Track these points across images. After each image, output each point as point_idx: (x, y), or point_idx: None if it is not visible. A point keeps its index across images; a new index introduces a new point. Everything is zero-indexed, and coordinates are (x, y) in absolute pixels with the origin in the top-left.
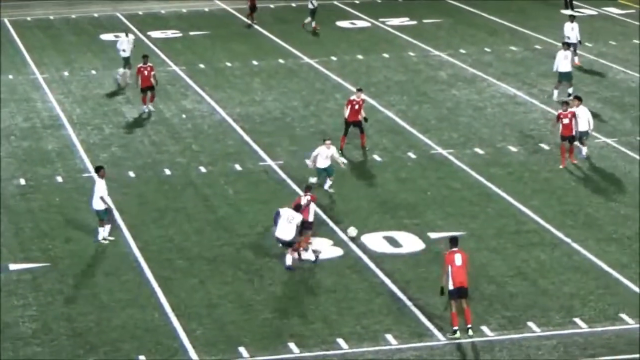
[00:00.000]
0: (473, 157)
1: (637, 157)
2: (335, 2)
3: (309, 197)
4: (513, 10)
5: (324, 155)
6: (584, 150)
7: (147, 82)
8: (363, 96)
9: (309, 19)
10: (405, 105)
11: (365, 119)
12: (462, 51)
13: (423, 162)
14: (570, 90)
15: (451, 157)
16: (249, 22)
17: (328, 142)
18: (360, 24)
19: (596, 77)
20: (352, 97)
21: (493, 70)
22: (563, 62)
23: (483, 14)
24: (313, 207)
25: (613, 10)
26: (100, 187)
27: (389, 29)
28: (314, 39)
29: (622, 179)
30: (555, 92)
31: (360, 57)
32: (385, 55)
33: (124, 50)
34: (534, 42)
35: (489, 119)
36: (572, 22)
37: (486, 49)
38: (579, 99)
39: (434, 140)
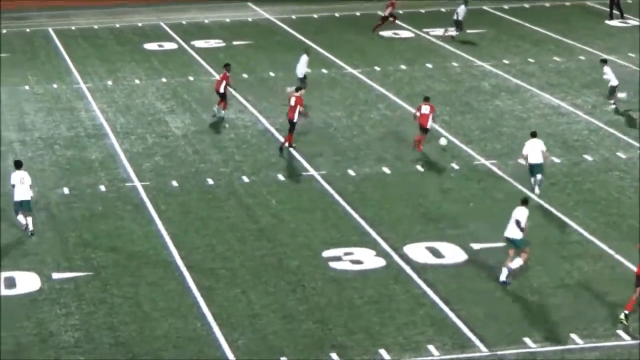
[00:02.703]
0: (516, 167)
1: None
2: (379, 12)
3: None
4: (557, 20)
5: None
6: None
7: (217, 88)
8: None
9: (452, 30)
10: (448, 115)
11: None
12: (506, 61)
13: (466, 173)
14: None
15: (494, 168)
16: (392, 20)
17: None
18: (403, 34)
19: None
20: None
21: (536, 80)
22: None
23: (526, 24)
24: None
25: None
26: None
27: (433, 39)
28: (357, 49)
29: None
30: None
31: (403, 67)
32: (429, 66)
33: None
34: (578, 53)
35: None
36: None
37: (530, 60)
38: (533, 134)
39: (477, 150)
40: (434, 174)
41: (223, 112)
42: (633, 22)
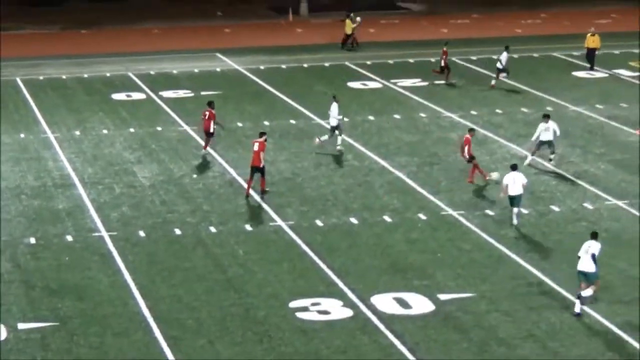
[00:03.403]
0: (484, 218)
1: None
2: (347, 63)
3: None
4: (525, 71)
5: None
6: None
7: (207, 128)
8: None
9: (503, 76)
10: (416, 166)
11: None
12: (473, 112)
13: (433, 224)
14: (552, 156)
15: (462, 219)
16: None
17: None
18: (371, 84)
19: (607, 139)
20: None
21: (504, 131)
22: (544, 132)
23: (494, 76)
24: None
25: (624, 73)
26: None
27: (401, 90)
28: (325, 100)
29: (633, 241)
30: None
31: (371, 117)
32: (397, 117)
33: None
34: (546, 104)
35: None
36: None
37: (497, 110)
38: (513, 167)
39: (444, 201)
40: (402, 224)
41: (204, 150)
42: (600, 74)
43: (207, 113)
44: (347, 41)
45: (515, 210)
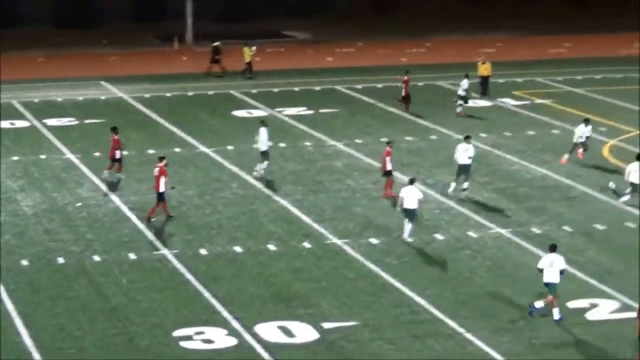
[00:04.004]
0: (368, 246)
1: (531, 247)
2: (232, 92)
3: None
4: (410, 100)
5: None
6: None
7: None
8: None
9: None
10: (300, 194)
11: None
12: (358, 141)
13: (318, 252)
14: (466, 185)
15: (346, 247)
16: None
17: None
18: (257, 113)
19: (491, 168)
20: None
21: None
22: (462, 154)
23: (380, 105)
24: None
25: (508, 102)
26: None
27: (286, 118)
28: (210, 128)
29: (516, 270)
30: (453, 184)
31: (256, 146)
32: (282, 145)
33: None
34: (430, 133)
35: (385, 208)
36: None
37: (382, 139)
38: (411, 181)
39: (329, 230)
40: (286, 253)
41: (119, 174)
42: (484, 102)
43: (113, 139)
44: (247, 69)
45: (409, 226)
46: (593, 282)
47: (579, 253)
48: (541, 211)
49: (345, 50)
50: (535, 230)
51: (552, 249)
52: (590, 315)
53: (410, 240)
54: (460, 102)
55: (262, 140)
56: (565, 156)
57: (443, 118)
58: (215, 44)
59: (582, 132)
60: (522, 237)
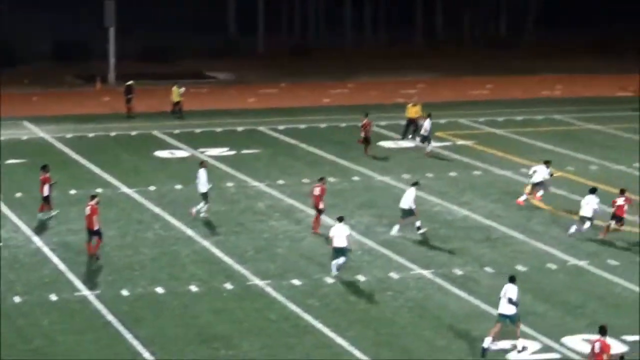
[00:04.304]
0: (290, 288)
1: (453, 288)
2: (154, 132)
3: None
4: (332, 141)
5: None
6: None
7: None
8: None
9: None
10: (223, 235)
11: None
12: (280, 182)
13: (240, 293)
14: (418, 223)
15: (268, 288)
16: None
17: None
18: (179, 153)
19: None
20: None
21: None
22: (407, 197)
23: (303, 146)
24: None
25: (431, 143)
26: None
27: (208, 159)
28: (132, 169)
29: (437, 310)
30: (397, 227)
31: (179, 187)
32: None
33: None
34: (353, 174)
35: (307, 250)
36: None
37: (304, 180)
38: (340, 219)
39: (251, 271)
40: (208, 294)
41: (52, 212)
42: (405, 144)
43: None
44: (175, 108)
45: (340, 260)
46: None
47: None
48: (463, 252)
49: (267, 91)
50: (457, 271)
51: (511, 280)
52: (512, 356)
53: (336, 273)
54: (426, 142)
55: (202, 182)
56: (522, 198)
57: (365, 159)
58: (129, 83)
59: (543, 173)
60: (444, 278)
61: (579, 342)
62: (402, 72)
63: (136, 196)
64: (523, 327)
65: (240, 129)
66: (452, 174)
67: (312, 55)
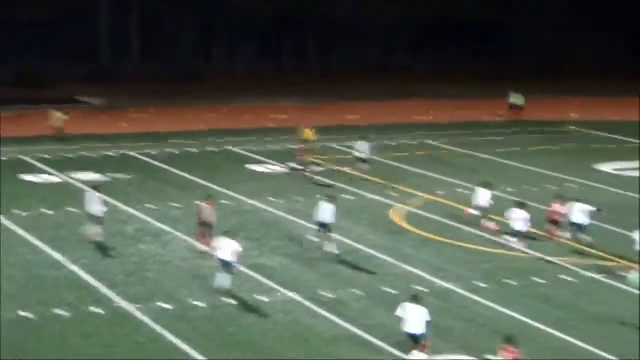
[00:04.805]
0: (159, 312)
1: (321, 311)
2: (23, 157)
3: None
4: (202, 166)
5: None
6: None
7: None
8: None
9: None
10: (92, 259)
11: None
12: (151, 206)
13: (109, 317)
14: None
15: (137, 312)
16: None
17: None
18: (49, 178)
19: (283, 233)
20: None
21: (180, 225)
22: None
23: (173, 170)
24: None
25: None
26: None
27: (79, 184)
28: (1, 193)
29: (306, 334)
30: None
31: (48, 211)
32: (74, 210)
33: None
34: (222, 197)
35: (175, 273)
36: None
37: (174, 204)
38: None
39: (120, 295)
40: (76, 318)
41: None
42: (277, 168)
43: None
44: (58, 133)
45: (223, 276)
46: (383, 345)
47: (369, 317)
48: (332, 276)
49: (138, 116)
50: (326, 294)
51: (414, 299)
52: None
53: (227, 286)
54: (364, 164)
55: (94, 205)
56: (492, 224)
57: (235, 183)
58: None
59: (487, 196)
60: (313, 301)
61: None
62: (274, 98)
63: (4, 221)
64: (391, 349)
65: (111, 153)
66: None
67: (186, 81)
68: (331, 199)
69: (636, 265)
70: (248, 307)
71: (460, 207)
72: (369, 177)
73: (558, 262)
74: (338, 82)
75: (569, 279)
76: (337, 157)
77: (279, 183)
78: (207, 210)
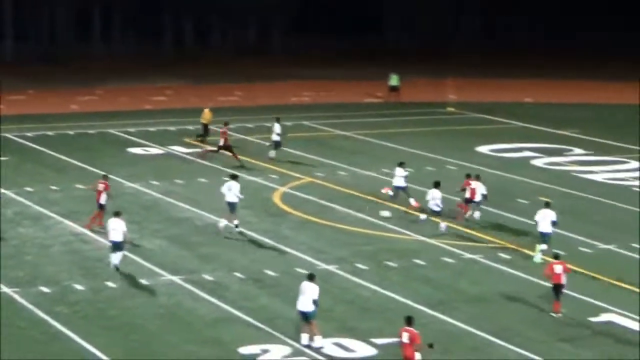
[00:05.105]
0: (39, 295)
1: (202, 294)
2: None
3: None
4: (80, 148)
5: None
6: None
7: None
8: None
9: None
10: None
11: None
12: (28, 189)
13: None
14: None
15: (16, 296)
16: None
17: None
18: None
19: (163, 215)
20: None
21: (59, 208)
22: (228, 193)
23: (50, 152)
24: None
25: (179, 149)
26: None
27: None
28: None
29: (187, 316)
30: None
31: None
32: None
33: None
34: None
35: (55, 257)
36: None
37: (53, 187)
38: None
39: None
40: None
41: None
42: (155, 150)
43: None
44: None
45: (116, 255)
46: (264, 327)
47: (250, 299)
48: (212, 258)
49: (15, 98)
50: (207, 277)
51: (310, 277)
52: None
53: (116, 263)
54: (273, 146)
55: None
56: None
57: (114, 166)
58: None
59: (401, 174)
60: (194, 284)
61: (330, 346)
62: (151, 79)
63: None
64: (274, 332)
65: None
66: (202, 179)
67: (60, 63)
68: (234, 177)
69: (512, 245)
70: (129, 290)
71: (340, 188)
72: (248, 159)
73: (438, 243)
74: (215, 64)
75: (450, 260)
76: (213, 139)
77: (158, 166)
78: (100, 188)
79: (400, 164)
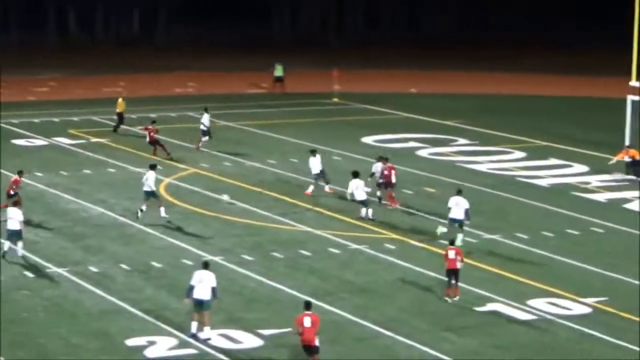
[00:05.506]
0: None
1: (88, 286)
2: None
3: None
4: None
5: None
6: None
7: None
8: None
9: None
10: None
11: None
12: None
13: None
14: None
15: None
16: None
17: None
18: None
19: (47, 207)
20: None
21: None
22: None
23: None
24: None
25: (63, 140)
26: None
27: None
28: None
29: (73, 308)
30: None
31: None
32: None
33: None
34: None
35: None
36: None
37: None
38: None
39: None
40: None
41: None
42: (39, 141)
43: None
44: None
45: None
46: (150, 319)
47: (136, 291)
48: (98, 249)
49: None
50: (92, 268)
51: (205, 266)
52: (149, 353)
53: (22, 253)
54: (205, 137)
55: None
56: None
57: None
58: None
59: (315, 164)
60: (79, 276)
61: (216, 337)
62: (34, 71)
63: None
64: (159, 323)
65: None
66: (87, 171)
67: None
68: (152, 167)
69: (397, 236)
70: (14, 283)
71: (224, 179)
72: (131, 151)
73: (324, 234)
74: (100, 55)
75: (335, 250)
76: (97, 130)
77: (42, 157)
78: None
79: (312, 152)
